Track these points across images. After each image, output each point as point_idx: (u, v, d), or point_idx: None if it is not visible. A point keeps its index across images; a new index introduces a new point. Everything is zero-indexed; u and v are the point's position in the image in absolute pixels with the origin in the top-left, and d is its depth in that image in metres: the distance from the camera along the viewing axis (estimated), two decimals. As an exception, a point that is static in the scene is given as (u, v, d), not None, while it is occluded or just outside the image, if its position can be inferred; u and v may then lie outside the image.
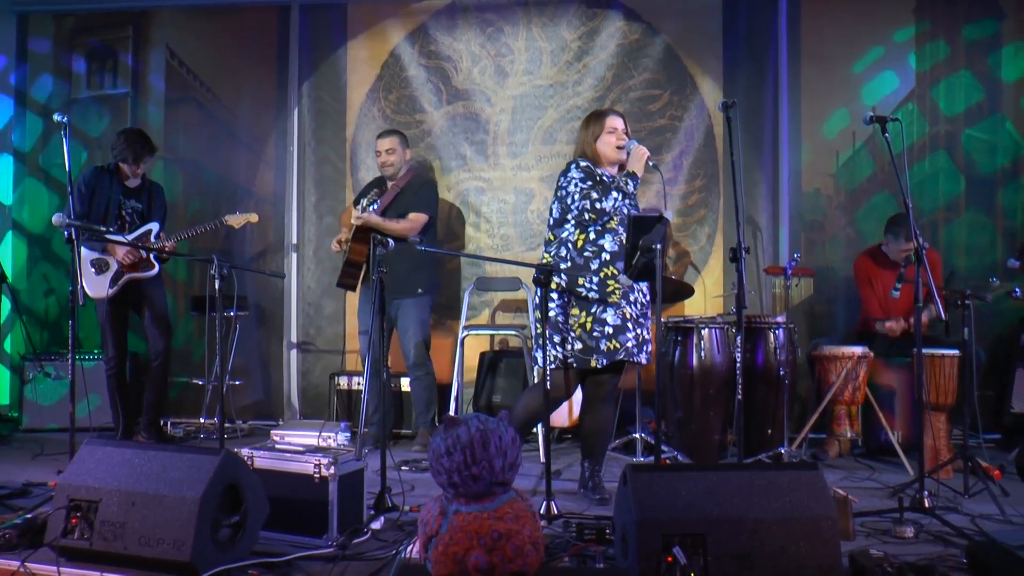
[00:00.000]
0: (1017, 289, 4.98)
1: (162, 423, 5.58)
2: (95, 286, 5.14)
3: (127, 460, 3.06)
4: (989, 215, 5.91)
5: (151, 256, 5.22)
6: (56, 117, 4.28)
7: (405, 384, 5.74)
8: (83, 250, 5.16)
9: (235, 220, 5.34)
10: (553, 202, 4.10)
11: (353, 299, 6.23)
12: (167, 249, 5.18)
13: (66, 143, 4.25)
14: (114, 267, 5.18)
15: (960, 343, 4.39)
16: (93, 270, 5.16)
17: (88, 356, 5.96)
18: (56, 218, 4.12)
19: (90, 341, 6.24)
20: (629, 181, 4.01)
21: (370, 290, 5.30)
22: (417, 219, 5.30)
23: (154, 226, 5.29)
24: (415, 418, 5.48)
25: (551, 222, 4.11)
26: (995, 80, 5.93)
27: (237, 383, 6.10)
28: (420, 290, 5.34)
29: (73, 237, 4.02)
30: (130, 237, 5.19)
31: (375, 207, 5.35)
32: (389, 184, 5.45)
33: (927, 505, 3.70)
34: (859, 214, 5.93)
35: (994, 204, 5.91)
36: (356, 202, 5.56)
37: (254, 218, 5.42)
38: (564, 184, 4.04)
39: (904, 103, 5.97)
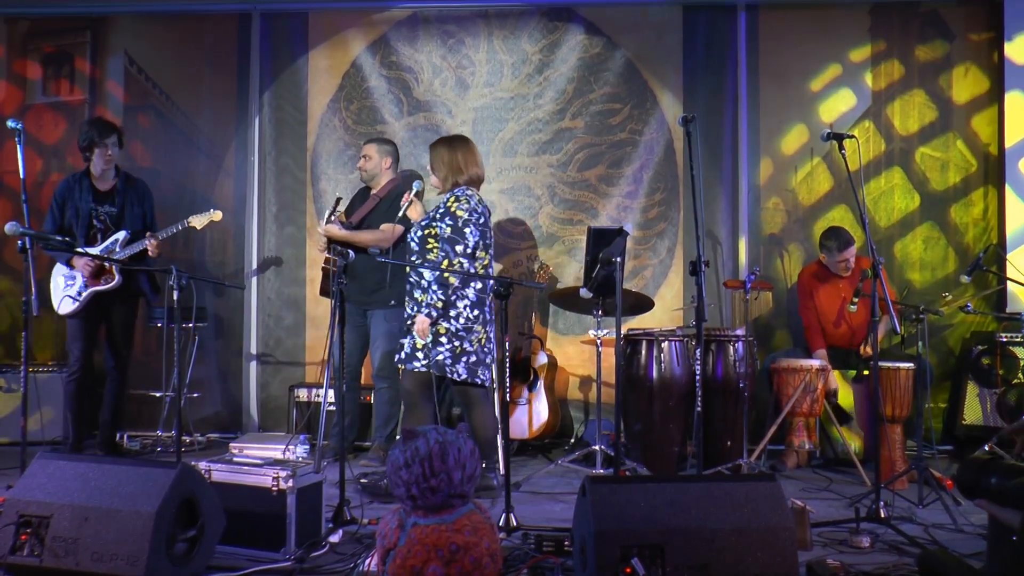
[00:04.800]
0: (969, 304, 5.09)
1: (118, 437, 5.46)
2: (66, 303, 5.03)
3: (80, 474, 3.00)
4: (942, 231, 6.02)
5: (114, 268, 5.03)
6: (10, 123, 4.23)
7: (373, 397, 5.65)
8: (57, 264, 5.08)
9: (198, 220, 5.20)
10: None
11: (314, 310, 6.19)
12: (153, 247, 5.02)
13: (20, 150, 4.19)
14: (80, 281, 5.04)
15: (914, 356, 4.46)
16: (65, 287, 5.04)
17: (41, 368, 5.82)
18: (8, 227, 4.05)
19: (44, 353, 6.11)
20: None
21: (349, 303, 5.21)
22: (389, 230, 5.08)
23: (120, 235, 5.08)
24: (374, 431, 5.37)
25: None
26: (946, 100, 6.06)
27: (195, 395, 6.01)
28: (393, 301, 5.07)
29: (27, 247, 3.96)
30: (100, 247, 5.03)
31: (335, 217, 5.17)
32: (371, 194, 5.31)
33: (883, 515, 3.78)
34: (817, 228, 6.01)
35: (947, 220, 6.03)
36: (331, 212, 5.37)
37: (217, 216, 5.27)
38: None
39: (860, 120, 6.07)
